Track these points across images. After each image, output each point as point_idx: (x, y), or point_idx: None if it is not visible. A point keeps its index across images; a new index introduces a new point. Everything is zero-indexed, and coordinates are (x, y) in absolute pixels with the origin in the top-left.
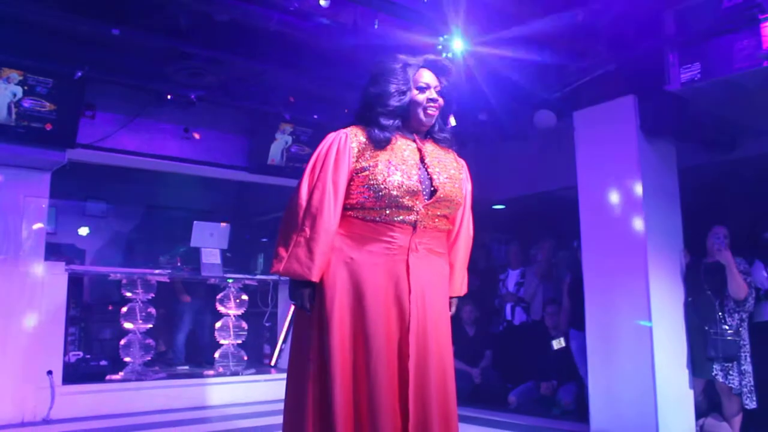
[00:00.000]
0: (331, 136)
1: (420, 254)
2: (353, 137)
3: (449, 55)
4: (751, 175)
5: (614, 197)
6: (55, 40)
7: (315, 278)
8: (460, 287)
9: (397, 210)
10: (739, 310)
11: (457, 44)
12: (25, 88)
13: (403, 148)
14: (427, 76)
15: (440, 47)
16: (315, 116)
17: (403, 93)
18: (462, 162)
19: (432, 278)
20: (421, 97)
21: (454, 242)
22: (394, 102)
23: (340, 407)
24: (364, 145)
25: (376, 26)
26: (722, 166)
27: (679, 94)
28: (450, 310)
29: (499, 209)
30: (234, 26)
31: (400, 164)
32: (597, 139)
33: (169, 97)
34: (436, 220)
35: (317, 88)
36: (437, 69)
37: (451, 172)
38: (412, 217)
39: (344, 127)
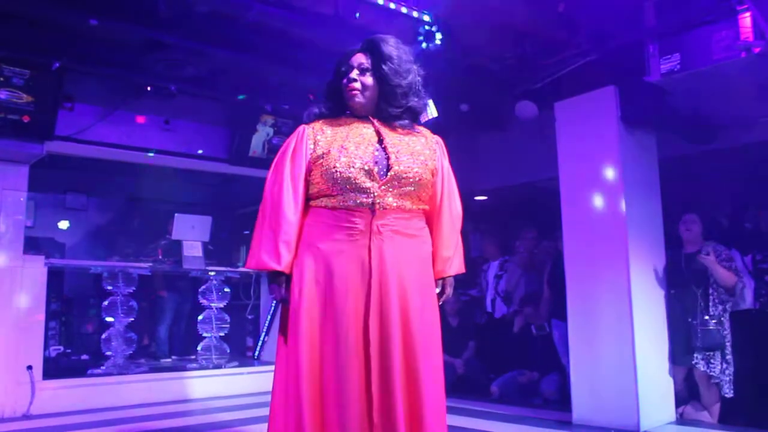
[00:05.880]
0: (293, 134)
1: (384, 236)
2: (310, 130)
3: (430, 45)
4: (730, 165)
5: (595, 187)
6: (31, 31)
7: (284, 269)
8: (449, 267)
9: (353, 194)
10: (726, 299)
11: (439, 34)
12: (1, 79)
13: (361, 132)
14: (353, 58)
15: (421, 37)
16: (297, 107)
17: (334, 81)
18: (436, 138)
19: (401, 261)
20: (344, 81)
21: (436, 221)
22: (330, 88)
23: (306, 397)
24: (320, 135)
25: (357, 16)
26: (701, 157)
27: (659, 85)
28: (445, 291)
29: (481, 200)
30: (214, 16)
31: (353, 147)
32: (578, 130)
33: (148, 88)
34: (399, 200)
35: (299, 79)
36: (371, 50)
37: (416, 148)
38: (369, 199)
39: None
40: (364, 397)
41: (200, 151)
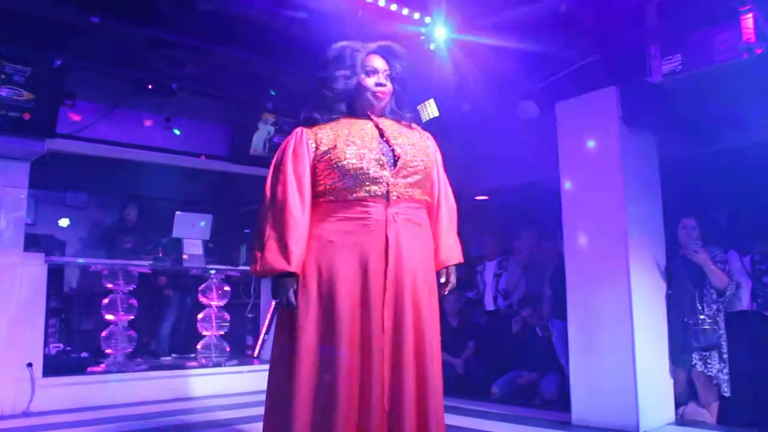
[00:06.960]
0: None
1: (399, 225)
2: (309, 130)
3: (432, 45)
4: (730, 166)
5: (596, 188)
6: (33, 28)
7: (294, 268)
8: (452, 255)
9: (366, 184)
10: (719, 300)
11: (440, 33)
12: (2, 76)
13: (362, 127)
14: (376, 62)
15: (423, 37)
16: (297, 106)
17: (349, 77)
18: (427, 134)
19: (415, 249)
20: (369, 82)
21: (436, 213)
22: (340, 85)
23: (303, 391)
24: (321, 134)
25: (359, 15)
26: (702, 157)
27: (661, 86)
28: (449, 280)
29: (481, 200)
30: (216, 15)
31: (359, 140)
32: (579, 130)
33: (150, 86)
34: (409, 189)
35: (300, 78)
36: (389, 55)
37: (414, 140)
38: (382, 188)
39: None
40: (381, 384)
41: (195, 153)
